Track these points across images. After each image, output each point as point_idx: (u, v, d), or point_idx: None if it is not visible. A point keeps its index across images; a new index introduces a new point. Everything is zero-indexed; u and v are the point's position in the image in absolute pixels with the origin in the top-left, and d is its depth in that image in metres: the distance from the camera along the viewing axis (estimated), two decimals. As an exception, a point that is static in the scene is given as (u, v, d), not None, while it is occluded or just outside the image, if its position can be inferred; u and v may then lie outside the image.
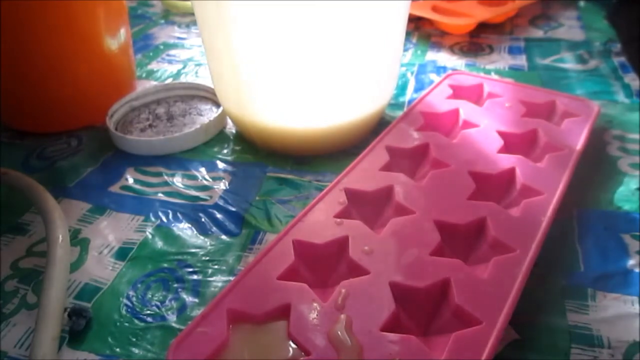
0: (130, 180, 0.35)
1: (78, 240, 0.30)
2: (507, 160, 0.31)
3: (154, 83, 0.47)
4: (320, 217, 0.28)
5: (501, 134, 0.33)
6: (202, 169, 0.36)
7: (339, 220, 0.27)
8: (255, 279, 0.24)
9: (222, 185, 0.34)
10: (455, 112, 0.36)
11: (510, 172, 0.30)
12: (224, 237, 0.30)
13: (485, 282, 0.23)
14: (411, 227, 0.27)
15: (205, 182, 0.34)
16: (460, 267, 0.24)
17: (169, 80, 0.47)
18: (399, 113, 0.36)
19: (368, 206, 0.29)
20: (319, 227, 0.27)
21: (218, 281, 0.27)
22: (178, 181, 0.35)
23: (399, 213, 0.28)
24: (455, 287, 0.23)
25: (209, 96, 0.43)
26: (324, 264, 0.26)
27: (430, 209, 0.27)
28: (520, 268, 0.24)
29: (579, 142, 0.32)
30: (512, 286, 0.23)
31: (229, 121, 0.41)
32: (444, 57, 0.49)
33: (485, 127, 0.34)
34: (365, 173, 0.31)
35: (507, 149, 0.32)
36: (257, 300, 0.23)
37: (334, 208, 0.28)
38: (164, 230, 0.31)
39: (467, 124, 0.35)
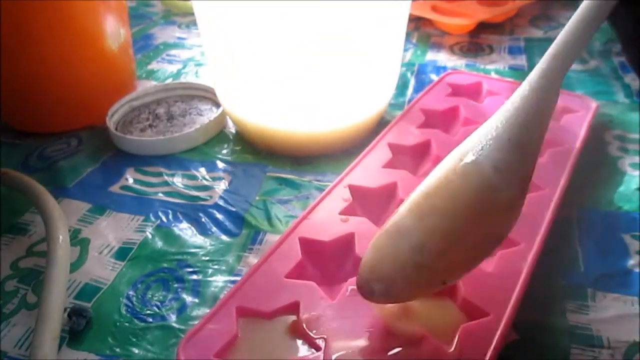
0: (130, 180, 0.35)
1: (78, 240, 0.30)
2: None
3: (154, 83, 0.47)
4: (326, 215, 0.28)
5: None
6: (202, 169, 0.36)
7: (344, 217, 0.27)
8: (263, 277, 0.24)
9: (222, 185, 0.34)
10: (456, 109, 0.37)
11: None
12: (224, 237, 0.30)
13: (491, 275, 0.24)
14: None
15: (205, 182, 0.34)
16: None
17: (169, 80, 0.47)
18: (399, 113, 0.36)
19: (372, 203, 0.29)
20: (324, 225, 0.27)
21: (218, 281, 0.27)
22: (178, 181, 0.35)
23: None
24: (462, 281, 0.23)
25: (209, 96, 0.43)
26: (331, 261, 0.26)
27: None
28: (526, 261, 0.24)
29: (579, 138, 0.33)
30: (518, 279, 0.23)
31: (229, 121, 0.41)
32: (444, 57, 0.49)
33: None
34: (368, 170, 0.31)
35: None
36: (265, 299, 0.23)
37: (338, 205, 0.28)
38: (164, 230, 0.31)
39: (468, 121, 0.35)
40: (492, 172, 0.19)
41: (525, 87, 0.20)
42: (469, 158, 0.20)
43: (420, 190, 0.21)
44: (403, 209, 0.21)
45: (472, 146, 0.20)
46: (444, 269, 0.20)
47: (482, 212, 0.20)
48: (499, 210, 0.20)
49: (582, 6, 0.20)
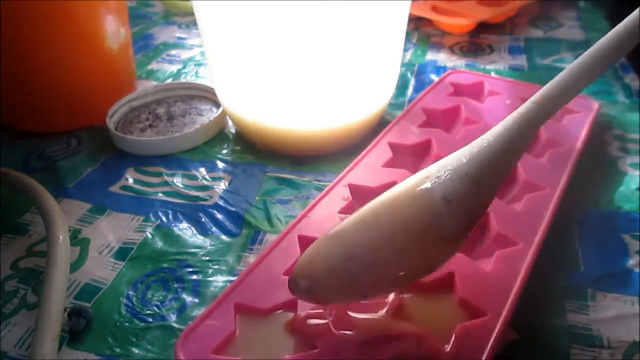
0: (130, 180, 0.35)
1: (78, 240, 0.30)
2: None
3: (154, 83, 0.47)
4: (325, 213, 0.28)
5: None
6: (202, 169, 0.36)
7: (343, 215, 0.28)
8: (261, 274, 0.24)
9: (222, 185, 0.34)
10: (457, 109, 0.37)
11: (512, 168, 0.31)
12: (224, 237, 0.30)
13: (489, 275, 0.24)
14: None
15: (205, 182, 0.34)
16: (464, 261, 0.24)
17: (169, 80, 0.47)
18: (399, 113, 0.36)
19: None
20: (324, 223, 0.27)
21: (218, 281, 0.27)
22: (178, 181, 0.35)
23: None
24: (460, 281, 0.23)
25: (209, 96, 0.43)
26: None
27: None
28: (524, 261, 0.24)
29: (580, 138, 0.33)
30: (515, 279, 0.23)
31: (229, 121, 0.41)
32: (444, 57, 0.49)
33: (487, 123, 0.34)
34: (368, 169, 0.31)
35: None
36: (263, 295, 0.23)
37: (338, 204, 0.28)
38: (164, 230, 0.31)
39: (469, 121, 0.35)
40: (440, 200, 0.19)
41: (501, 124, 0.21)
42: (425, 183, 0.20)
43: (372, 202, 0.21)
44: (352, 216, 0.21)
45: (433, 172, 0.20)
46: (367, 283, 0.20)
47: (420, 237, 0.20)
48: (438, 240, 0.20)
49: (577, 60, 0.20)
